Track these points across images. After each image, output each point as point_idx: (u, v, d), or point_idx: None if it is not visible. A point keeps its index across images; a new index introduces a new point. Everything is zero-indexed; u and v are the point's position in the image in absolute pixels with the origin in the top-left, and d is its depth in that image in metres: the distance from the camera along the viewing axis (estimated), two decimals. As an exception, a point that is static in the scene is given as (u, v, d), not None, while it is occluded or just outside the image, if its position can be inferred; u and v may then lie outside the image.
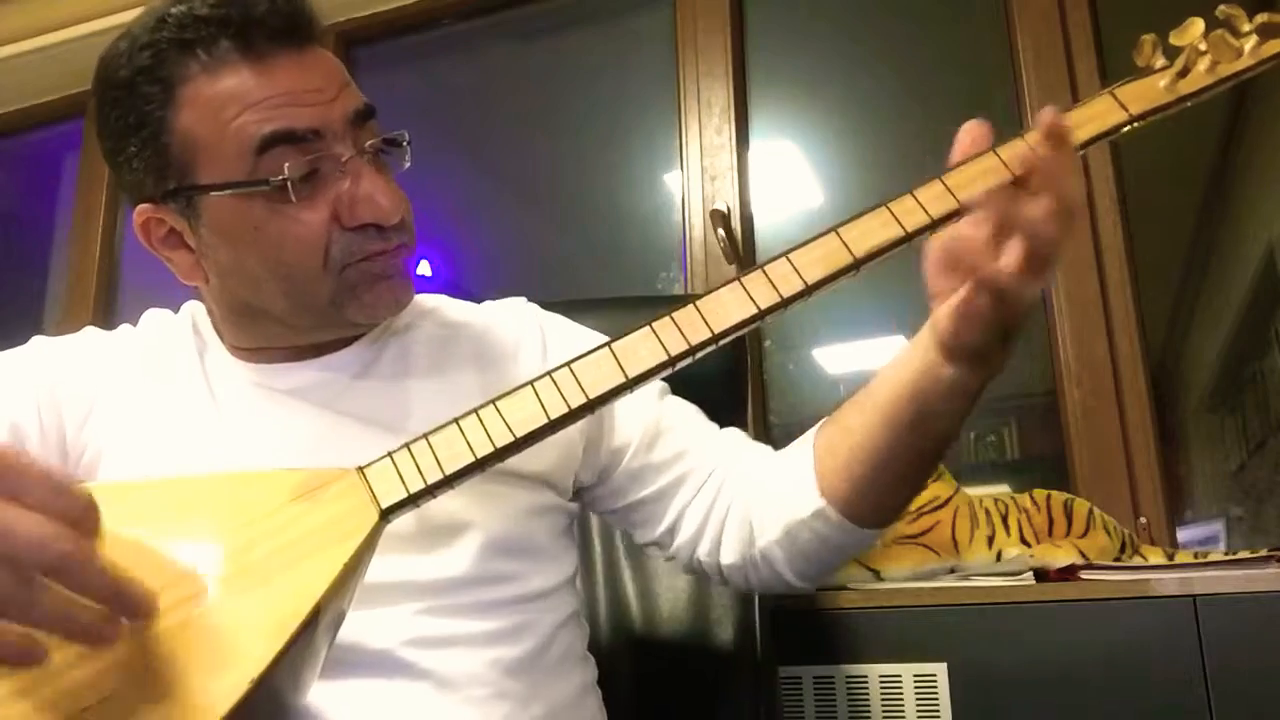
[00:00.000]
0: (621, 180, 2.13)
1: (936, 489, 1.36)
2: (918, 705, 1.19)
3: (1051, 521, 1.33)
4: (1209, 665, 1.09)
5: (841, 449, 0.78)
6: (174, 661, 0.57)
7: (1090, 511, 1.34)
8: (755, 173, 1.93)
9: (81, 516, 0.53)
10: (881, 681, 1.21)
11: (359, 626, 0.72)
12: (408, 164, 0.82)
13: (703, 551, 0.87)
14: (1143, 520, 1.49)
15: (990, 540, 1.31)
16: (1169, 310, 1.78)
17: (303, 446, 0.79)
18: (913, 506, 1.34)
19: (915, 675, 1.20)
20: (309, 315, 0.81)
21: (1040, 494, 1.37)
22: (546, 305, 0.97)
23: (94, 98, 0.80)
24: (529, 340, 0.90)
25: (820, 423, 0.83)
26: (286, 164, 0.74)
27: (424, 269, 2.13)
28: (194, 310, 0.91)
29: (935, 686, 1.19)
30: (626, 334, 0.66)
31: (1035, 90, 1.72)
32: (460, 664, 0.75)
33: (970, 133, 0.69)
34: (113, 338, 0.90)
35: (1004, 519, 1.33)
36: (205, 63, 0.75)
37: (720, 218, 1.80)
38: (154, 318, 0.93)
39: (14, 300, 2.56)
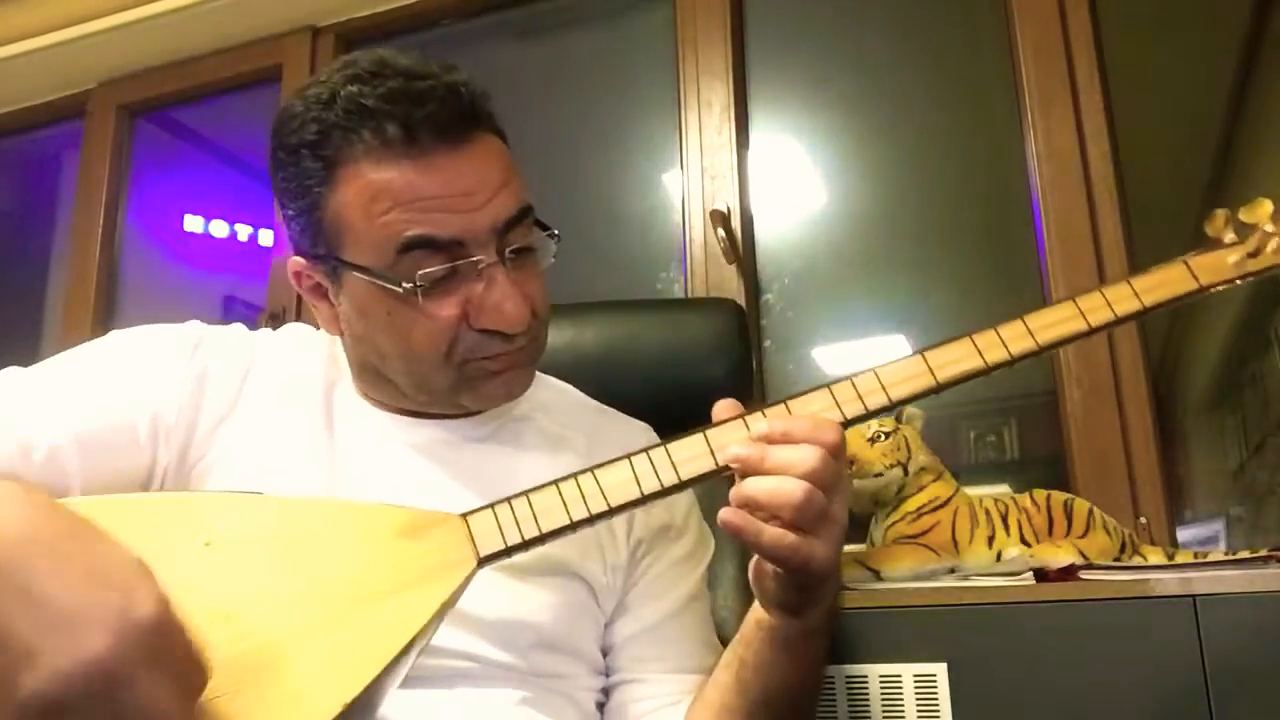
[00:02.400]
0: (621, 180, 2.13)
1: (936, 489, 1.36)
2: (918, 705, 1.19)
3: (1051, 521, 1.33)
4: (1209, 665, 1.09)
5: (705, 695, 0.82)
6: (274, 676, 0.60)
7: (1090, 511, 1.34)
8: (755, 173, 1.93)
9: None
10: (881, 681, 1.21)
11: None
12: (553, 259, 0.84)
13: None
14: (1143, 520, 1.49)
15: (990, 540, 1.31)
16: (1169, 310, 1.78)
17: (407, 497, 0.82)
18: (913, 506, 1.35)
19: (915, 675, 1.20)
20: (426, 394, 0.84)
21: (1040, 494, 1.37)
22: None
23: (270, 148, 0.82)
24: None
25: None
26: (421, 271, 0.75)
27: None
28: (333, 339, 0.92)
29: (935, 686, 1.19)
30: (719, 424, 0.70)
31: (1035, 90, 1.72)
32: (498, 694, 0.79)
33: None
34: (257, 343, 0.91)
35: (1004, 519, 1.33)
36: (368, 148, 0.76)
37: (720, 218, 1.80)
38: (295, 333, 0.94)
39: (14, 300, 2.56)
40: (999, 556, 1.30)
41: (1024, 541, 1.31)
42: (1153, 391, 1.56)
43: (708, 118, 1.93)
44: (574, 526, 0.69)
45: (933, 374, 0.72)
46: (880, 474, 1.37)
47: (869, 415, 0.72)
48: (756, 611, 0.76)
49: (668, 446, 0.70)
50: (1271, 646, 1.08)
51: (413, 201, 0.75)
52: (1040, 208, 1.68)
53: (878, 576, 1.29)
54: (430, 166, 0.75)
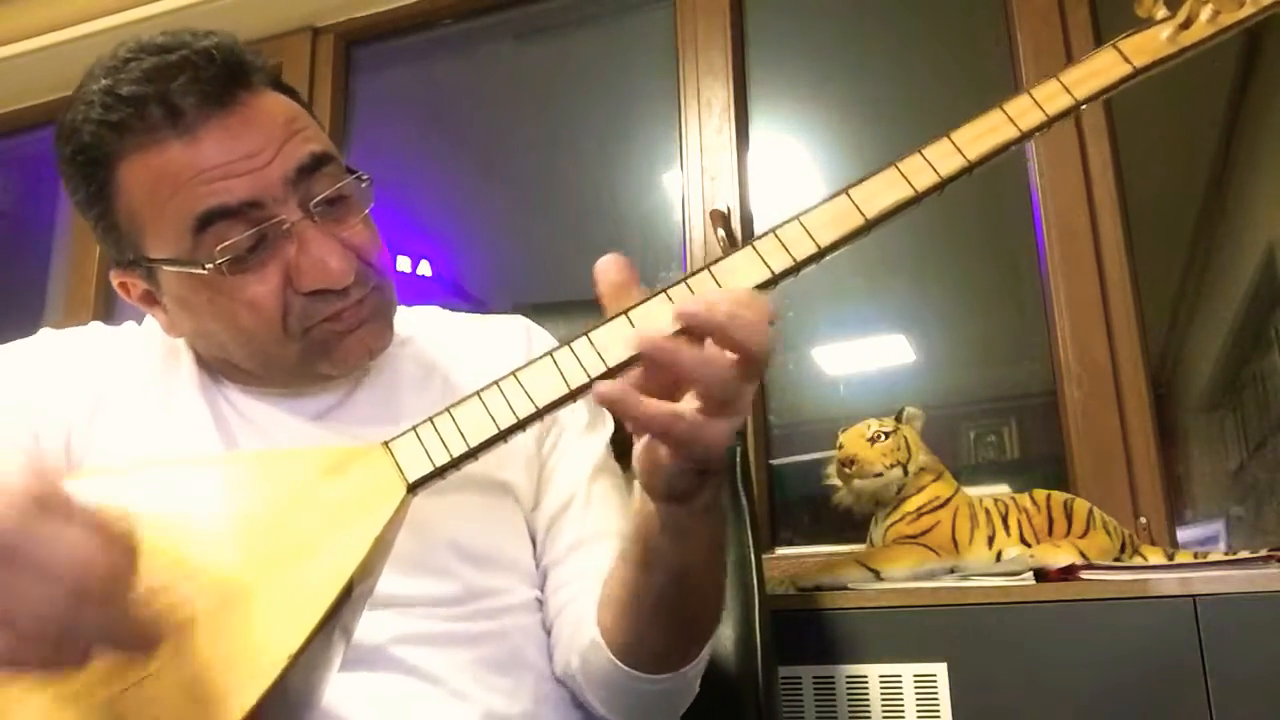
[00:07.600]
0: (621, 180, 2.13)
1: (936, 489, 1.36)
2: (918, 705, 1.19)
3: (1051, 521, 1.33)
4: (1209, 665, 1.09)
5: (608, 583, 0.77)
6: (213, 639, 0.58)
7: (1090, 511, 1.34)
8: (755, 172, 1.93)
9: (124, 548, 0.50)
10: (881, 681, 1.21)
11: None
12: (371, 203, 0.79)
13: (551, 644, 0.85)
14: (1143, 520, 1.49)
15: (990, 540, 1.31)
16: (1169, 310, 1.78)
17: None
18: (913, 506, 1.35)
19: (915, 675, 1.20)
20: (281, 372, 0.81)
21: (1040, 494, 1.37)
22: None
23: (57, 164, 0.78)
24: (515, 353, 0.88)
25: None
26: (222, 244, 0.72)
27: (424, 269, 2.13)
28: None
29: (935, 686, 1.19)
30: (643, 301, 0.64)
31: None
32: (447, 660, 0.76)
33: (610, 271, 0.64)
34: (119, 334, 0.90)
35: (1004, 519, 1.33)
36: (137, 140, 0.72)
37: (720, 218, 1.80)
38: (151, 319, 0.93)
39: (14, 300, 2.56)
40: (999, 556, 1.30)
41: (1024, 541, 1.31)
42: (1153, 391, 1.56)
43: (708, 118, 1.93)
44: (504, 435, 0.65)
45: (860, 211, 0.64)
46: (880, 474, 1.37)
47: (799, 267, 0.64)
48: (647, 503, 0.68)
49: (590, 335, 0.64)
50: (1271, 646, 1.08)
51: (194, 177, 0.71)
52: (1040, 208, 1.68)
53: (878, 576, 1.29)
54: (202, 138, 0.72)
